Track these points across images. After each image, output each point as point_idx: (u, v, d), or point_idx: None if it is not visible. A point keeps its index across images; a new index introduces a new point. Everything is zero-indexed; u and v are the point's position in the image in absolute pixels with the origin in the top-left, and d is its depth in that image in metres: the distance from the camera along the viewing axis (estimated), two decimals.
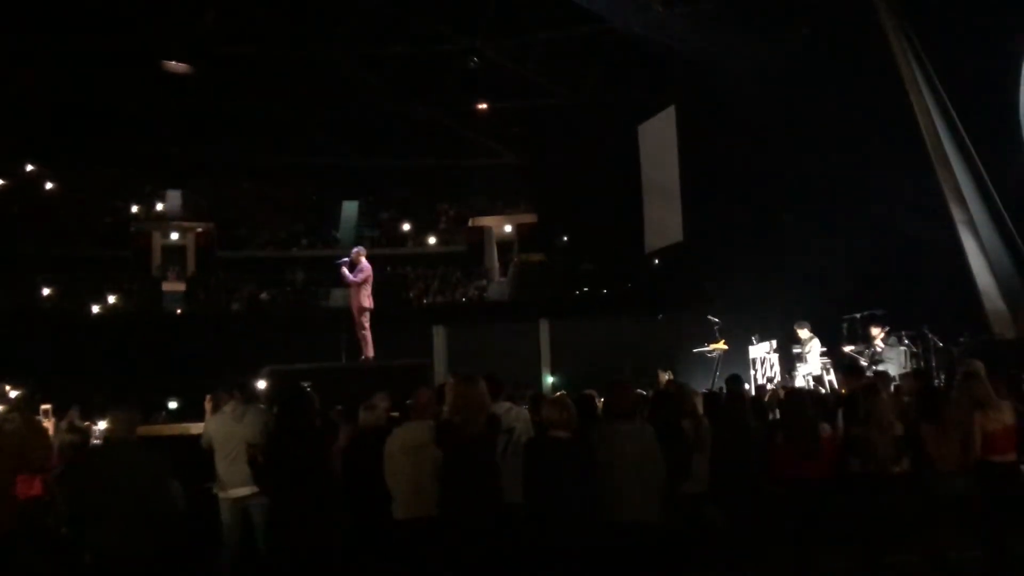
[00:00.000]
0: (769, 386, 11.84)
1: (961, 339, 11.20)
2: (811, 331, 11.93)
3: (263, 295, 23.13)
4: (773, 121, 14.06)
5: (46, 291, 21.74)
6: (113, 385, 14.09)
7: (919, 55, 11.96)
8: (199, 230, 24.82)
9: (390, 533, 5.13)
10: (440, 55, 19.42)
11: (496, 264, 25.56)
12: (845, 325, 12.43)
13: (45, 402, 11.15)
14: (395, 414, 6.33)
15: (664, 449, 5.16)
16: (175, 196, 25.21)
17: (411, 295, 23.16)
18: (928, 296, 11.68)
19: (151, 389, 16.05)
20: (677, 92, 17.46)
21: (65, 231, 22.87)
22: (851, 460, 6.02)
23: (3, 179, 23.46)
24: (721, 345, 13.05)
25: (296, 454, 5.10)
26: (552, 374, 16.36)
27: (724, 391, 7.11)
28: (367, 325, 12.09)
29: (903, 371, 10.40)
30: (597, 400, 6.58)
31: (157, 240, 24.70)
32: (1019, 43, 11.55)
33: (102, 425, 9.66)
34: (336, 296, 19.95)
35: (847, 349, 11.87)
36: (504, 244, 25.89)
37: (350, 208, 25.70)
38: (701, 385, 10.99)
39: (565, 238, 24.50)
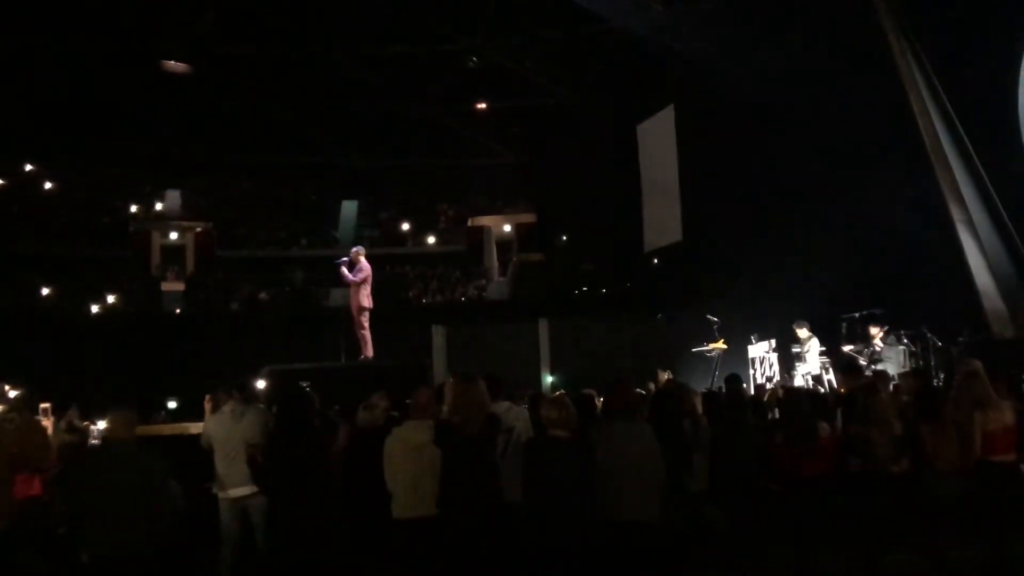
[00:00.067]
0: (768, 385, 11.85)
1: (960, 338, 11.20)
2: (810, 330, 11.93)
3: (262, 295, 23.13)
4: (772, 121, 14.06)
5: (45, 291, 21.74)
6: (112, 385, 14.10)
7: (918, 55, 11.96)
8: (198, 230, 24.82)
9: (389, 533, 5.12)
10: (440, 55, 19.42)
11: (495, 264, 25.58)
12: (844, 324, 12.43)
13: (44, 401, 11.14)
14: (395, 414, 6.32)
15: (665, 449, 5.16)
16: (174, 196, 25.21)
17: (410, 295, 23.18)
18: (927, 295, 11.69)
19: (150, 389, 16.06)
20: (676, 92, 17.46)
21: (64, 231, 22.86)
22: (850, 459, 6.03)
23: (2, 179, 23.48)
24: (720, 344, 13.05)
25: (295, 454, 5.09)
26: (551, 373, 16.34)
27: (723, 390, 7.11)
28: (366, 325, 12.09)
29: (902, 370, 10.40)
30: (596, 400, 6.59)
31: (156, 240, 24.69)
32: (1018, 43, 11.55)
33: (101, 425, 9.65)
34: (335, 296, 19.95)
35: (846, 348, 11.87)
36: (503, 244, 25.90)
37: (349, 208, 25.70)
38: (700, 384, 10.99)
39: (564, 238, 24.51)
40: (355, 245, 12.92)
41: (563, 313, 19.06)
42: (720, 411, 6.36)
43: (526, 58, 19.32)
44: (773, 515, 5.91)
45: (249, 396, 6.88)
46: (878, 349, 11.46)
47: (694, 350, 13.59)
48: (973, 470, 5.77)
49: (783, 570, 5.93)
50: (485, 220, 26.02)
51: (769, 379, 12.63)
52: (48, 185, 24.29)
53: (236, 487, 6.23)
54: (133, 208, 25.25)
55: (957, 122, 11.75)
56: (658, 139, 18.47)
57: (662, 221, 18.35)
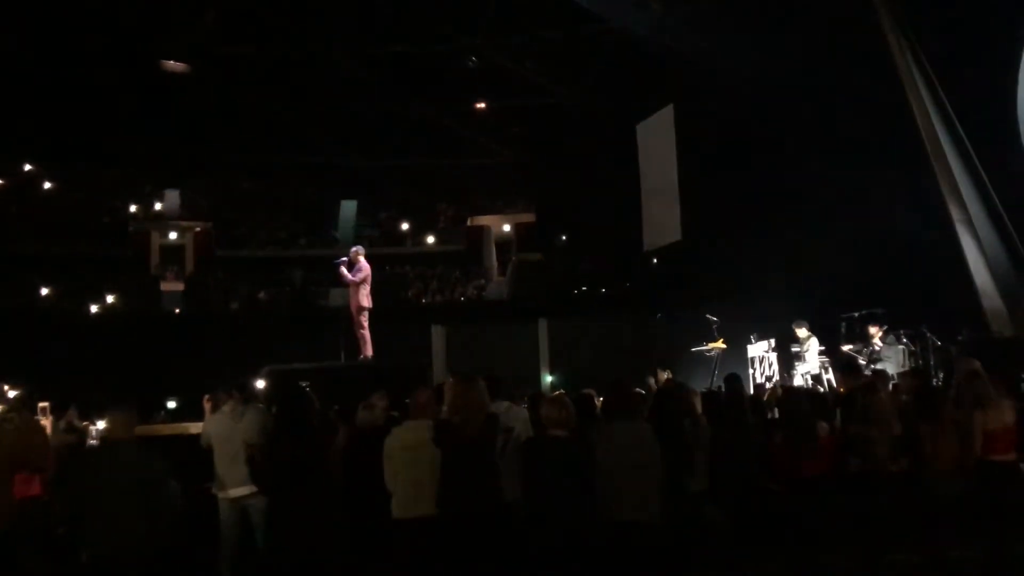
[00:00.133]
0: (768, 385, 11.85)
1: (959, 338, 11.20)
2: (809, 330, 11.94)
3: (262, 295, 23.13)
4: (771, 120, 14.06)
5: (44, 291, 21.74)
6: (112, 385, 14.07)
7: (918, 55, 11.96)
8: (197, 230, 24.82)
9: (389, 533, 5.12)
10: (439, 55, 19.42)
11: (495, 263, 25.59)
12: (843, 324, 12.43)
13: (43, 401, 11.13)
14: (395, 414, 6.32)
15: (665, 448, 5.16)
16: (173, 196, 25.20)
17: (410, 294, 23.18)
18: (926, 295, 11.69)
19: (150, 389, 16.05)
20: (675, 91, 17.45)
21: (63, 231, 22.86)
22: (850, 459, 6.03)
23: (2, 178, 23.46)
24: (719, 344, 13.06)
25: (295, 454, 5.09)
26: (551, 373, 16.36)
27: (723, 390, 7.11)
28: (366, 324, 12.09)
29: (901, 370, 10.41)
30: (596, 399, 6.59)
31: (156, 240, 24.70)
32: (1018, 43, 11.55)
33: (101, 425, 9.65)
34: (335, 296, 19.95)
35: (845, 348, 11.88)
36: (503, 243, 25.91)
37: (349, 207, 25.69)
38: (700, 384, 11.00)
39: (564, 237, 24.51)
40: (354, 245, 12.92)
41: (562, 313, 19.09)
42: (720, 411, 6.36)
43: (526, 58, 19.30)
44: (773, 515, 5.91)
45: (249, 396, 6.88)
46: (877, 348, 11.46)
47: (693, 350, 13.60)
48: (973, 469, 5.77)
49: (783, 570, 5.93)
50: (484, 220, 26.03)
51: (768, 379, 12.64)
52: (47, 185, 24.29)
53: (236, 487, 6.23)
54: (132, 208, 25.26)
55: (956, 122, 11.75)
56: (658, 139, 18.47)
57: (661, 221, 18.34)
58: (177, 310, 22.41)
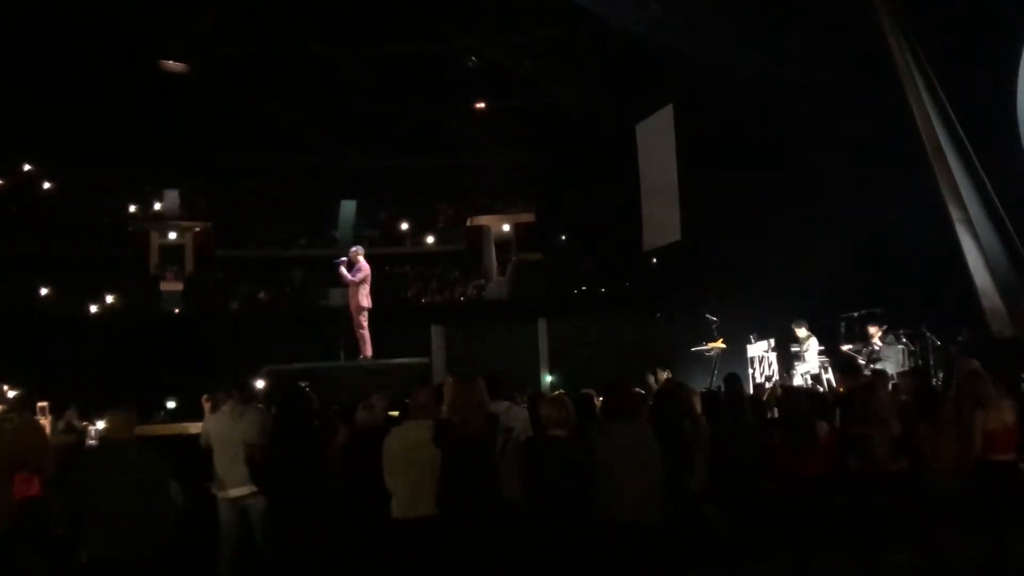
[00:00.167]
0: (767, 385, 11.85)
1: (959, 337, 11.21)
2: (809, 330, 11.94)
3: (261, 294, 23.13)
4: (771, 120, 14.06)
5: (44, 291, 21.73)
6: (111, 385, 14.06)
7: (917, 54, 11.97)
8: (197, 229, 24.82)
9: (389, 533, 5.12)
10: (439, 55, 19.42)
11: (494, 263, 25.59)
12: (843, 324, 12.43)
13: (42, 400, 11.13)
14: (394, 413, 6.32)
15: (666, 448, 5.16)
16: (173, 195, 25.19)
17: (409, 294, 23.17)
18: (926, 295, 11.69)
19: (149, 389, 16.04)
20: (675, 91, 17.45)
21: (63, 231, 22.84)
22: (849, 459, 6.03)
23: (1, 178, 23.45)
24: (719, 344, 13.06)
25: (294, 454, 5.09)
26: (550, 373, 16.35)
27: (722, 390, 7.11)
28: (365, 324, 12.10)
29: (901, 370, 10.41)
30: (595, 399, 6.59)
31: (155, 239, 24.70)
32: (1018, 43, 11.55)
33: (100, 425, 9.65)
34: (334, 295, 19.95)
35: (845, 348, 11.88)
36: (502, 243, 25.91)
37: (348, 207, 25.70)
38: (699, 384, 10.99)
39: (563, 237, 24.50)
40: (354, 245, 12.93)
41: (562, 313, 19.06)
42: (719, 411, 6.36)
43: (525, 58, 19.31)
44: (772, 515, 5.91)
45: (248, 396, 6.88)
46: (877, 348, 11.46)
47: (693, 349, 13.59)
48: (973, 469, 5.77)
49: (783, 570, 5.93)
50: (484, 220, 26.02)
51: (768, 378, 12.64)
52: (47, 185, 24.27)
53: (235, 487, 6.23)
54: (132, 208, 25.24)
55: (956, 122, 11.76)
56: (657, 139, 18.46)
57: (661, 221, 18.33)
58: (177, 310, 22.41)
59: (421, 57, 19.47)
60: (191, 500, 6.28)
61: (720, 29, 14.10)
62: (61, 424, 10.02)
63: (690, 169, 16.98)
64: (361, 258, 12.04)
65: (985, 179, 11.64)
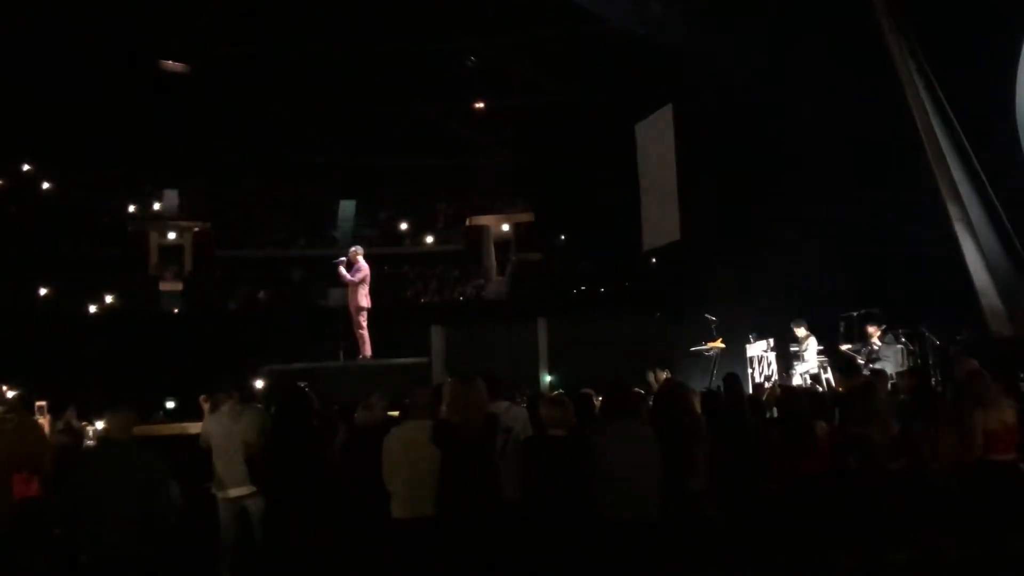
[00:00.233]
0: (767, 385, 11.85)
1: (958, 337, 11.20)
2: (808, 329, 11.94)
3: (261, 294, 23.13)
4: (770, 120, 14.06)
5: (43, 291, 21.73)
6: (110, 385, 14.08)
7: (917, 54, 11.97)
8: (196, 229, 24.82)
9: (388, 532, 5.12)
10: (438, 54, 19.42)
11: (494, 263, 25.59)
12: (842, 323, 12.42)
13: (40, 398, 11.14)
14: (394, 413, 6.33)
15: (667, 448, 5.16)
16: (172, 196, 25.19)
17: (409, 294, 23.18)
18: (925, 294, 11.68)
19: (149, 389, 16.05)
20: (674, 91, 17.45)
21: (62, 231, 22.85)
22: (848, 458, 6.03)
23: (1, 179, 23.44)
24: (718, 344, 13.05)
25: (294, 454, 5.10)
26: (550, 373, 16.34)
27: (722, 390, 7.11)
28: (364, 324, 12.10)
29: (900, 369, 10.41)
30: (595, 399, 6.59)
31: (154, 240, 24.70)
32: (1017, 42, 11.56)
33: (99, 425, 9.65)
34: (334, 295, 19.95)
35: (844, 347, 11.87)
36: (502, 243, 25.90)
37: (348, 207, 25.70)
38: (699, 384, 11.00)
39: (563, 237, 24.50)
40: (353, 245, 12.93)
41: (561, 312, 19.07)
42: (719, 410, 6.37)
43: (524, 57, 19.31)
44: (772, 514, 5.91)
45: (247, 396, 6.88)
46: (876, 348, 11.46)
47: (692, 349, 13.59)
48: (972, 468, 5.78)
49: (782, 570, 5.93)
50: (483, 219, 26.01)
51: (767, 378, 12.64)
52: (46, 185, 24.27)
53: (235, 487, 6.22)
54: (131, 208, 25.24)
55: (955, 121, 11.76)
56: (656, 138, 18.46)
57: (660, 220, 18.33)
58: (176, 310, 22.41)
59: (421, 57, 19.47)
60: (190, 500, 6.27)
61: (720, 29, 14.11)
62: (60, 424, 10.02)
63: (690, 169, 16.98)
64: (360, 258, 12.04)
65: (984, 179, 11.63)
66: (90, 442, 9.05)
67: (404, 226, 26.44)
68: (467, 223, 26.14)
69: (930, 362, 11.23)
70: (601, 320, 17.84)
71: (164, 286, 23.37)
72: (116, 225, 24.42)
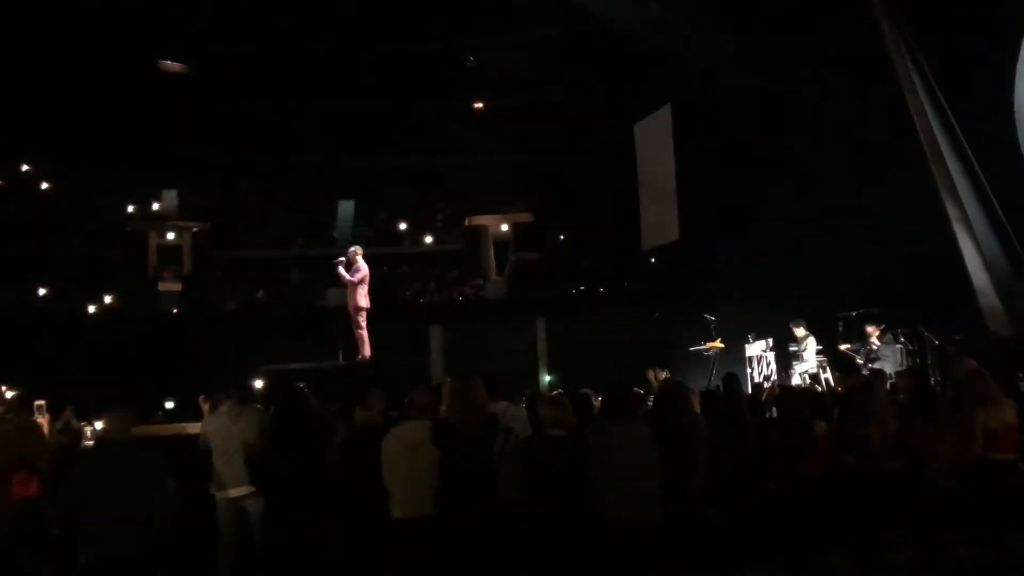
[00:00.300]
0: (766, 384, 11.85)
1: (957, 337, 11.21)
2: (807, 329, 11.95)
3: (260, 294, 23.11)
4: (769, 120, 14.07)
5: (42, 291, 21.71)
6: (109, 385, 14.06)
7: (915, 54, 11.98)
8: (195, 230, 24.79)
9: (387, 532, 5.12)
10: (437, 54, 19.41)
11: (493, 263, 25.56)
12: (841, 323, 12.43)
13: (39, 398, 11.12)
14: (393, 413, 6.33)
15: (666, 448, 5.16)
16: (171, 196, 25.15)
17: (408, 294, 23.16)
18: (924, 294, 11.69)
19: (147, 389, 16.02)
20: (673, 91, 17.46)
21: (61, 231, 22.83)
22: (847, 457, 6.03)
23: None
24: (717, 343, 13.06)
25: (293, 454, 5.10)
26: (549, 373, 16.33)
27: (721, 389, 7.11)
28: (363, 324, 12.09)
29: (899, 369, 10.42)
30: (594, 399, 6.59)
31: (153, 240, 24.66)
32: (1015, 42, 11.56)
33: (98, 425, 9.64)
34: (333, 295, 19.93)
35: (843, 347, 11.89)
36: (501, 243, 25.88)
37: (346, 207, 25.68)
38: (698, 384, 11.00)
39: (562, 237, 24.49)
40: (352, 245, 12.92)
41: (561, 312, 19.06)
42: (718, 410, 6.36)
43: (524, 57, 19.31)
44: (771, 514, 5.92)
45: (246, 396, 6.88)
46: (875, 347, 11.47)
47: (691, 349, 13.59)
48: (972, 467, 5.78)
49: (782, 570, 5.93)
50: (482, 219, 25.99)
51: (766, 378, 12.65)
52: (44, 185, 24.25)
53: (234, 487, 6.22)
54: (130, 208, 25.21)
55: (954, 120, 11.77)
56: (656, 138, 18.47)
57: (659, 220, 18.34)
58: (175, 310, 22.38)
59: (420, 57, 19.46)
60: (190, 500, 6.28)
61: (719, 29, 14.11)
62: (59, 424, 10.01)
63: (689, 169, 16.99)
64: (359, 258, 12.03)
65: (983, 179, 11.64)
66: (88, 442, 9.05)
67: (403, 226, 26.42)
68: (466, 223, 26.12)
69: (929, 362, 11.24)
70: (600, 320, 17.83)
71: (163, 286, 23.33)
72: (115, 225, 24.39)
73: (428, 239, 26.06)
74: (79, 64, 18.48)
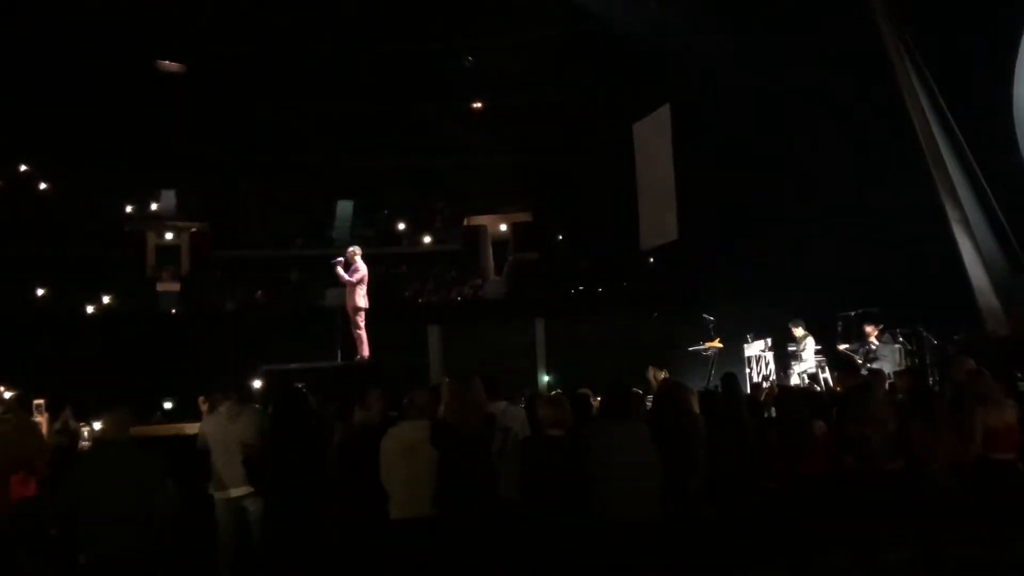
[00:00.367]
0: (765, 384, 11.86)
1: (956, 337, 11.23)
2: (806, 329, 11.95)
3: (258, 295, 23.08)
4: (769, 120, 14.08)
5: (40, 291, 21.68)
6: (108, 385, 14.04)
7: (914, 55, 11.98)
8: (193, 230, 24.76)
9: (386, 532, 5.12)
10: (436, 54, 19.41)
11: (491, 263, 25.55)
12: (840, 323, 12.45)
13: (37, 398, 11.10)
14: (392, 413, 6.32)
15: (666, 448, 5.16)
16: (169, 196, 25.12)
17: (406, 294, 23.14)
18: (922, 294, 11.70)
19: (146, 389, 16.01)
20: (672, 91, 17.47)
21: (59, 231, 22.79)
22: (846, 457, 6.03)
23: None
24: (716, 343, 13.06)
25: (291, 454, 5.09)
26: (548, 372, 16.35)
27: (719, 389, 7.11)
28: (362, 324, 12.08)
29: (898, 369, 10.42)
30: (593, 399, 6.59)
31: (151, 240, 24.62)
32: (1014, 42, 11.57)
33: (96, 425, 9.63)
34: (331, 295, 19.92)
35: (842, 347, 11.90)
36: (499, 243, 25.86)
37: (345, 207, 25.65)
38: (697, 384, 10.99)
39: (560, 237, 24.49)
40: (351, 245, 12.91)
41: (559, 312, 19.07)
42: (717, 410, 6.36)
43: (523, 57, 19.32)
44: (770, 514, 5.91)
45: (245, 396, 6.87)
46: (874, 347, 11.48)
47: (690, 349, 13.60)
48: (971, 467, 5.78)
49: (781, 570, 5.93)
50: (481, 219, 25.97)
51: (765, 378, 12.65)
52: (43, 185, 24.22)
53: (233, 487, 6.21)
54: (128, 208, 25.18)
55: (952, 121, 11.78)
56: (655, 138, 18.47)
57: (658, 220, 18.34)
58: (173, 310, 22.36)
59: (418, 56, 19.46)
60: (188, 501, 6.27)
61: (719, 29, 14.12)
62: (57, 424, 10.00)
63: (687, 169, 17.00)
64: (358, 258, 12.02)
65: (982, 179, 11.65)
66: (86, 442, 9.04)
67: (402, 226, 26.39)
68: (465, 223, 26.10)
69: (928, 362, 11.26)
70: (599, 320, 17.84)
71: (161, 286, 23.29)
72: (113, 225, 24.35)
73: (427, 239, 26.04)
74: (78, 64, 18.46)
